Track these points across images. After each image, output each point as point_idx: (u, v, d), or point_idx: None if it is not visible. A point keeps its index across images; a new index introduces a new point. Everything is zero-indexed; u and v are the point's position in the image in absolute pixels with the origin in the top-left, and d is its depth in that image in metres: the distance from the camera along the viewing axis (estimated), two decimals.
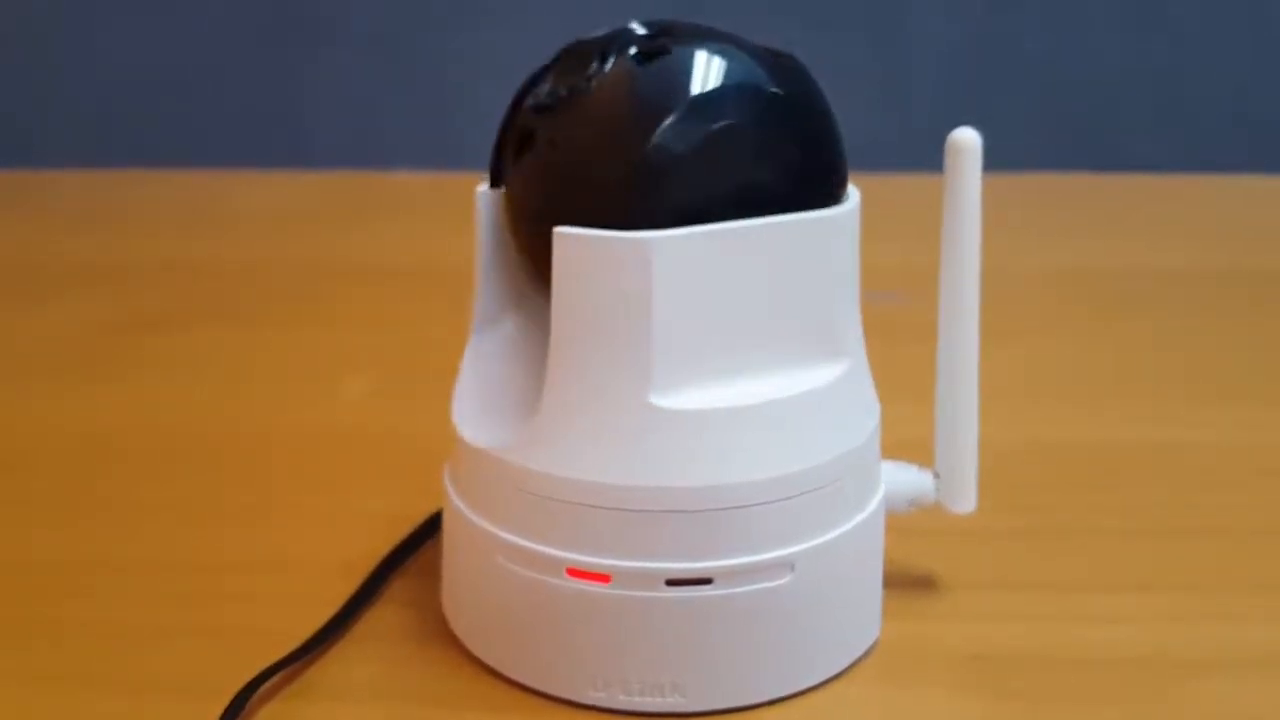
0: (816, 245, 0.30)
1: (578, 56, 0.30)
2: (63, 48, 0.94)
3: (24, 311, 0.61)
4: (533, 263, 0.31)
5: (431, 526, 0.37)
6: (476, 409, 0.32)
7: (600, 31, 0.31)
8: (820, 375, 0.31)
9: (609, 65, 0.29)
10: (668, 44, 0.30)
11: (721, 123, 0.29)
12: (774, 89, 0.30)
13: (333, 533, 0.39)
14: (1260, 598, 0.35)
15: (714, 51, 0.30)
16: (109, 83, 0.94)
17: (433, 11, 0.91)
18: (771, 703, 0.31)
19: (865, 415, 0.32)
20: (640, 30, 0.30)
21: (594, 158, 0.29)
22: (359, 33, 0.93)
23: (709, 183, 0.29)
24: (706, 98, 0.29)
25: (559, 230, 0.29)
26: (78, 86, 0.94)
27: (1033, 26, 0.89)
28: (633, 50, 0.29)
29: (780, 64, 0.31)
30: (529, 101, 0.30)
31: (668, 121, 0.28)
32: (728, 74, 0.29)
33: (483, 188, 0.32)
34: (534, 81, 0.31)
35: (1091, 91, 0.90)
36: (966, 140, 0.31)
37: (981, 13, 0.89)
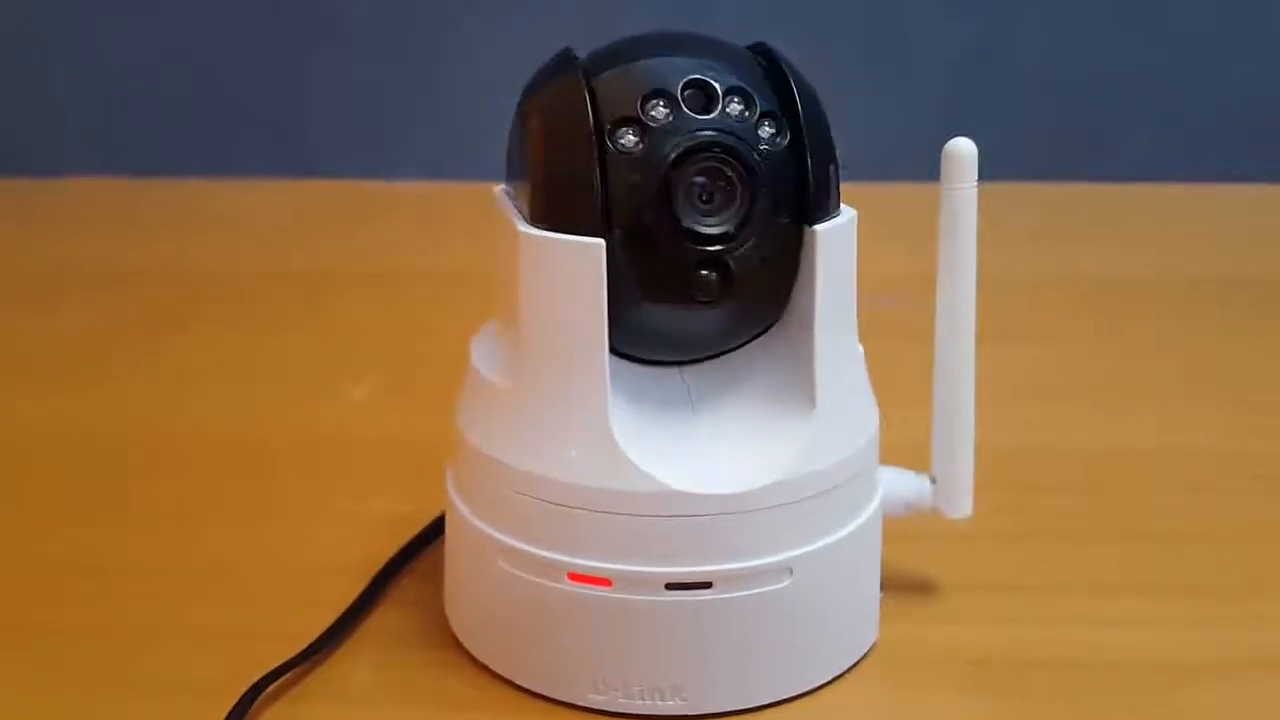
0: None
1: (704, 163, 0.29)
2: (66, 56, 0.94)
3: (29, 316, 0.61)
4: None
5: (434, 530, 0.37)
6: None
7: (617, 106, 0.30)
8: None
9: (755, 152, 0.30)
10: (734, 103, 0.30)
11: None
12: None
13: (336, 536, 0.39)
14: (1259, 602, 0.36)
15: (757, 73, 0.31)
16: (113, 91, 0.94)
17: (435, 19, 0.92)
18: (771, 705, 0.31)
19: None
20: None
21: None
22: (362, 41, 0.93)
23: None
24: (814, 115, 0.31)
25: (823, 229, 0.30)
26: (81, 94, 0.95)
27: (1031, 35, 0.89)
28: (756, 139, 0.30)
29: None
30: (693, 229, 0.29)
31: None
32: (798, 84, 0.31)
33: (595, 240, 0.29)
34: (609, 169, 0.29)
35: (1090, 100, 0.90)
36: (962, 150, 0.32)
37: (979, 22, 0.89)
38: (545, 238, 0.30)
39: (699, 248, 0.29)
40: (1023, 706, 0.31)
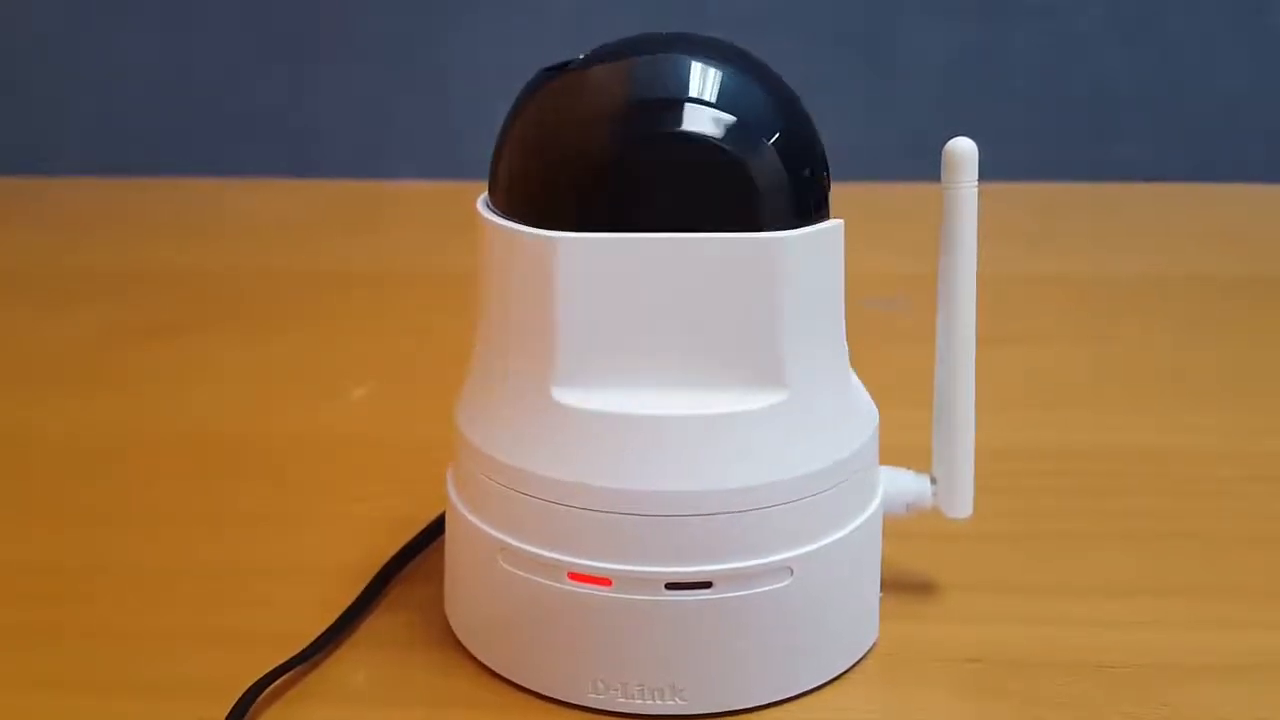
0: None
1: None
2: (71, 58, 0.94)
3: (30, 317, 0.61)
4: None
5: (434, 530, 0.37)
6: None
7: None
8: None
9: None
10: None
11: None
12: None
13: (336, 536, 0.39)
14: (1257, 603, 0.36)
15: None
16: (118, 92, 0.94)
17: (435, 23, 0.92)
18: (770, 705, 0.31)
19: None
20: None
21: None
22: (362, 42, 0.93)
23: None
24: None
25: None
26: (87, 96, 0.95)
27: (1028, 36, 0.89)
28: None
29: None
30: None
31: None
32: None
33: (839, 221, 0.31)
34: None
35: (1089, 101, 0.90)
36: (962, 149, 0.32)
37: (977, 23, 0.89)
38: (808, 232, 0.30)
39: None
40: (1022, 707, 0.31)
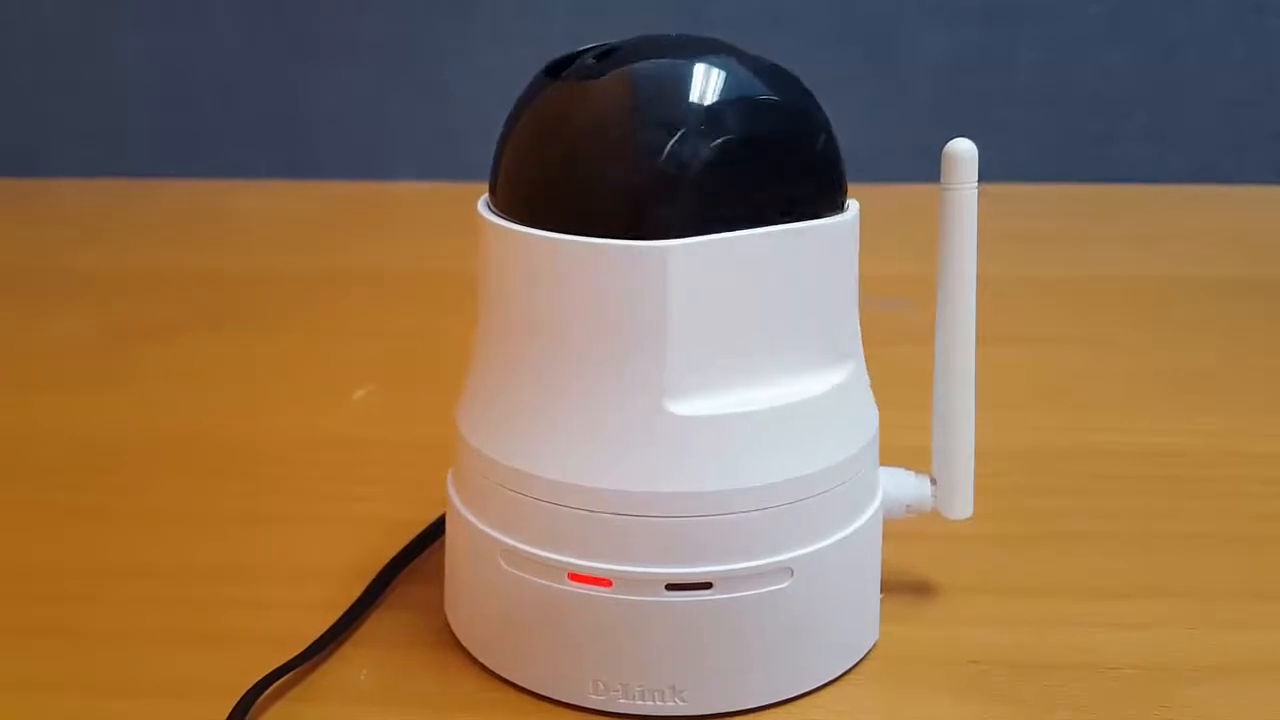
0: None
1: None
2: (71, 58, 0.94)
3: (32, 318, 0.61)
4: None
5: (434, 531, 0.37)
6: None
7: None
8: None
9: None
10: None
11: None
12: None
13: (336, 537, 0.39)
14: (1257, 604, 0.36)
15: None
16: (115, 93, 0.94)
17: (435, 25, 0.92)
18: (770, 706, 0.31)
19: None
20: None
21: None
22: (361, 43, 0.93)
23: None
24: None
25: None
26: (84, 97, 0.95)
27: (1029, 36, 0.89)
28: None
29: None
30: None
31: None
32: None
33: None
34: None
35: (1089, 102, 0.90)
36: (962, 150, 0.32)
37: (977, 23, 0.89)
38: (855, 214, 0.32)
39: None
40: (1023, 709, 0.31)
